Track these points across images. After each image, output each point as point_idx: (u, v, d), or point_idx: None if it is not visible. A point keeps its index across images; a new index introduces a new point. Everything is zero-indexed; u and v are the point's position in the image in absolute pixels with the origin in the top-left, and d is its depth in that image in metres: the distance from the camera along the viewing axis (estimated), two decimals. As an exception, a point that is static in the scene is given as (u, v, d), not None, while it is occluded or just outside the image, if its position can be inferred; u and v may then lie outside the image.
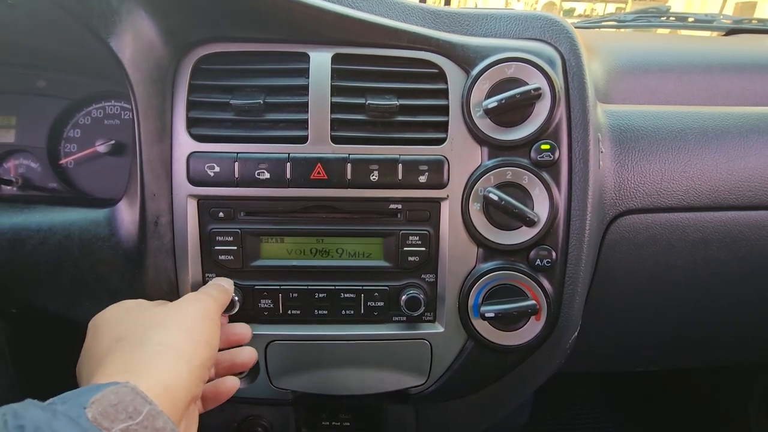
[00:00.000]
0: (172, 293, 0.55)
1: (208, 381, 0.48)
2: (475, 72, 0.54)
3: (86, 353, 0.41)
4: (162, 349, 0.38)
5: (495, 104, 0.52)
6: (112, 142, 0.66)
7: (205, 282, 0.56)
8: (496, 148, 0.55)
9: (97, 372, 0.37)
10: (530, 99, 0.53)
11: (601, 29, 1.13)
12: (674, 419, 1.20)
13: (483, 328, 0.57)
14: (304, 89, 0.54)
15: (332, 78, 0.54)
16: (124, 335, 0.40)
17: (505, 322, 0.56)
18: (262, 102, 0.53)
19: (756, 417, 1.07)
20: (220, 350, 0.49)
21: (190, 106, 0.54)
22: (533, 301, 0.55)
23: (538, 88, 0.53)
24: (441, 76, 0.56)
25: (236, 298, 0.54)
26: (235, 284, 0.56)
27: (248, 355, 0.51)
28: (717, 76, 0.74)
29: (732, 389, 1.13)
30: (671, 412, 1.21)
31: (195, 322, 0.43)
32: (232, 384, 0.49)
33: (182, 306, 0.44)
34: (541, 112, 0.54)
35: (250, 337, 0.52)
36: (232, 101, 0.53)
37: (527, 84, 0.53)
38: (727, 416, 1.13)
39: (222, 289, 0.51)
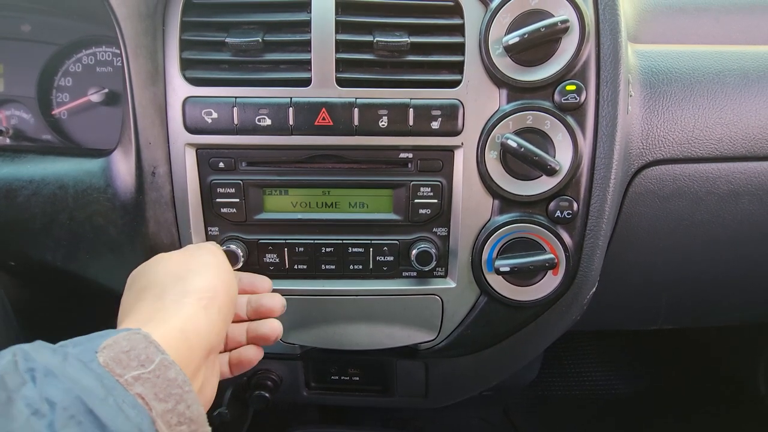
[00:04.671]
0: (174, 247, 0.53)
1: (234, 349, 0.48)
2: (494, 4, 0.49)
3: (120, 306, 0.41)
4: (180, 297, 0.38)
5: (517, 40, 0.47)
6: (105, 90, 0.63)
7: (208, 236, 0.54)
8: (516, 90, 0.50)
9: (122, 324, 0.36)
10: (556, 33, 0.48)
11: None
12: (682, 376, 1.20)
13: (497, 283, 0.55)
14: (306, 25, 0.49)
15: (337, 12, 0.49)
16: (146, 285, 0.40)
17: (521, 276, 0.54)
18: (260, 40, 0.49)
19: (764, 376, 1.06)
20: (250, 320, 0.49)
21: (183, 45, 0.50)
22: (551, 255, 0.52)
23: (566, 21, 0.47)
24: (457, 10, 0.50)
25: (240, 252, 0.52)
26: (239, 238, 0.54)
27: (270, 327, 0.49)
28: (760, 16, 0.67)
29: (742, 347, 1.12)
30: (679, 369, 1.22)
31: (213, 268, 0.42)
32: (253, 353, 0.48)
33: (198, 254, 0.44)
34: (567, 48, 0.49)
35: (280, 311, 0.49)
36: (228, 40, 0.49)
37: (553, 16, 0.48)
38: (736, 374, 1.13)
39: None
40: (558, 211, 0.52)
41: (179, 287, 0.39)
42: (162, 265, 0.42)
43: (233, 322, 0.47)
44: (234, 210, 0.53)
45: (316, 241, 0.55)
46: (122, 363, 0.29)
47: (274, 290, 0.52)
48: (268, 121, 0.50)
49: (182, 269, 0.41)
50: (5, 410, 0.24)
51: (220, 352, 0.47)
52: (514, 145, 0.49)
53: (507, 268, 0.52)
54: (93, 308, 0.48)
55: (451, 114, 0.50)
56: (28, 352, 0.28)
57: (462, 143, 0.51)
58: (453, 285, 0.56)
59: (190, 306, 0.37)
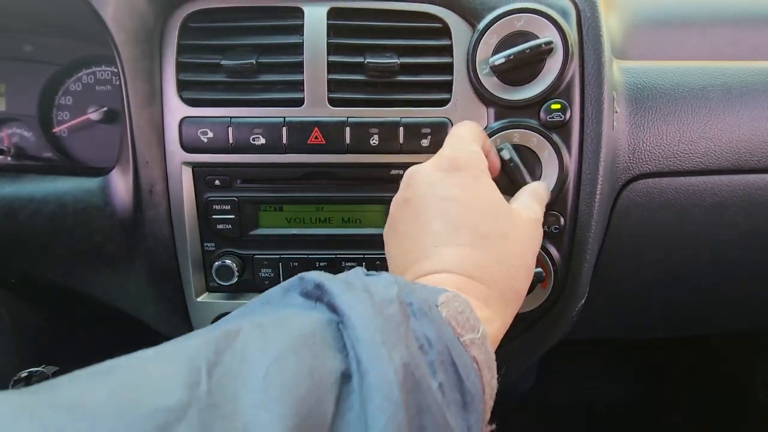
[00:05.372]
0: (171, 263, 0.54)
1: None
2: (481, 25, 0.50)
3: (415, 208, 0.38)
4: (507, 281, 0.34)
5: (503, 60, 0.49)
6: (105, 108, 0.64)
7: (204, 252, 0.55)
8: (503, 108, 0.52)
9: (434, 255, 0.34)
10: (541, 54, 0.49)
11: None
12: (678, 384, 1.20)
13: (487, 296, 0.56)
14: (298, 48, 0.51)
15: (328, 35, 0.51)
16: (480, 227, 0.35)
17: (510, 290, 0.55)
18: (254, 62, 0.50)
19: (762, 384, 1.07)
20: None
21: (180, 67, 0.52)
22: (539, 269, 0.53)
23: (550, 42, 0.49)
24: (445, 31, 0.52)
25: (235, 267, 0.54)
26: (235, 253, 0.56)
27: None
28: (746, 29, 0.69)
29: (739, 355, 1.13)
30: (676, 376, 1.22)
31: (533, 255, 0.38)
32: None
33: (530, 232, 0.39)
34: (552, 68, 0.50)
35: None
36: (223, 62, 0.50)
37: (538, 38, 0.49)
38: (733, 381, 1.13)
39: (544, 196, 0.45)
40: (546, 226, 0.53)
41: (513, 264, 0.35)
42: (502, 209, 0.37)
43: None
44: (230, 226, 0.54)
45: (310, 256, 0.56)
46: (460, 323, 0.28)
47: None
48: (263, 140, 0.51)
49: (514, 238, 0.36)
50: (401, 340, 0.23)
51: None
52: (507, 156, 0.50)
53: (497, 282, 0.53)
54: (93, 323, 0.49)
55: (440, 132, 0.52)
56: (404, 287, 0.27)
57: (451, 160, 0.52)
58: (445, 298, 0.57)
59: (513, 305, 0.35)
